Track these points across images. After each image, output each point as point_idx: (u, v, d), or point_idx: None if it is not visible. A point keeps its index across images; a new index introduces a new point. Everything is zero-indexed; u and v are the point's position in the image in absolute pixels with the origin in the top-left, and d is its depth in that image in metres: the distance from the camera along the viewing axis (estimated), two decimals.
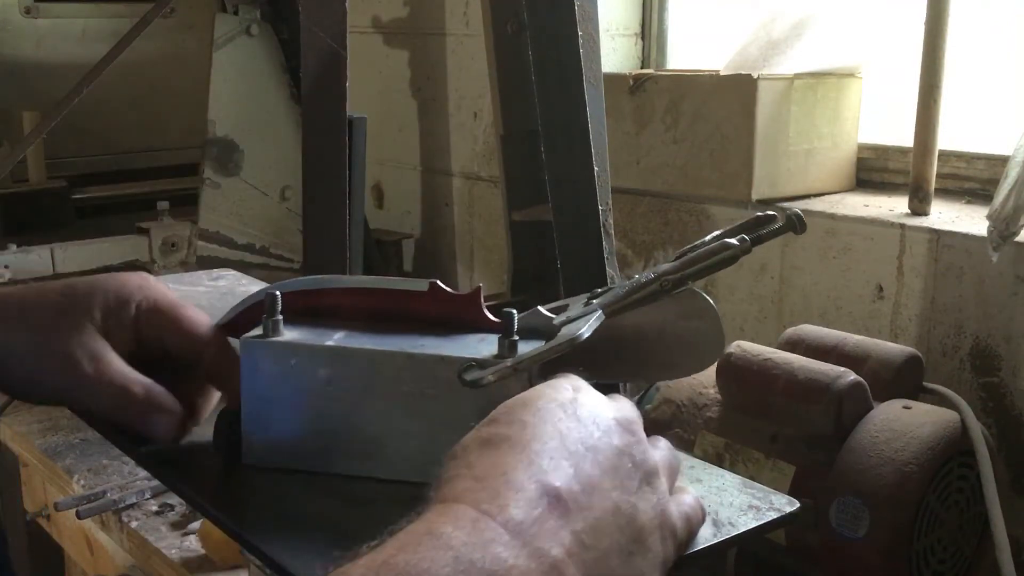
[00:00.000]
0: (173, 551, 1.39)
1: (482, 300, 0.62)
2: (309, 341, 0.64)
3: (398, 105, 2.34)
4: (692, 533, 0.55)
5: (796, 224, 0.61)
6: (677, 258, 0.63)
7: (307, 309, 0.67)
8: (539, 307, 0.60)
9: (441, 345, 0.61)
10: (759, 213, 0.63)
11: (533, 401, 0.52)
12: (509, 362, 0.57)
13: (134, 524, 1.46)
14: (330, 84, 1.06)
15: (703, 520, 0.56)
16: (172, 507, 1.49)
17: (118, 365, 0.67)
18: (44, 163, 2.37)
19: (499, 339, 0.57)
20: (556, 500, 0.47)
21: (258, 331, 0.65)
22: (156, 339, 0.70)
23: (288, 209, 2.16)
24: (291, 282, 0.68)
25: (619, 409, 0.54)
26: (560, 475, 0.48)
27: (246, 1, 2.15)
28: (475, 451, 0.49)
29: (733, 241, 0.59)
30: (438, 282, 0.63)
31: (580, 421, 0.51)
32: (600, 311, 0.59)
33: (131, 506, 1.50)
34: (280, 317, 0.65)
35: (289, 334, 0.65)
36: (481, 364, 0.57)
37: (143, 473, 1.53)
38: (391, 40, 2.35)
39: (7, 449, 1.90)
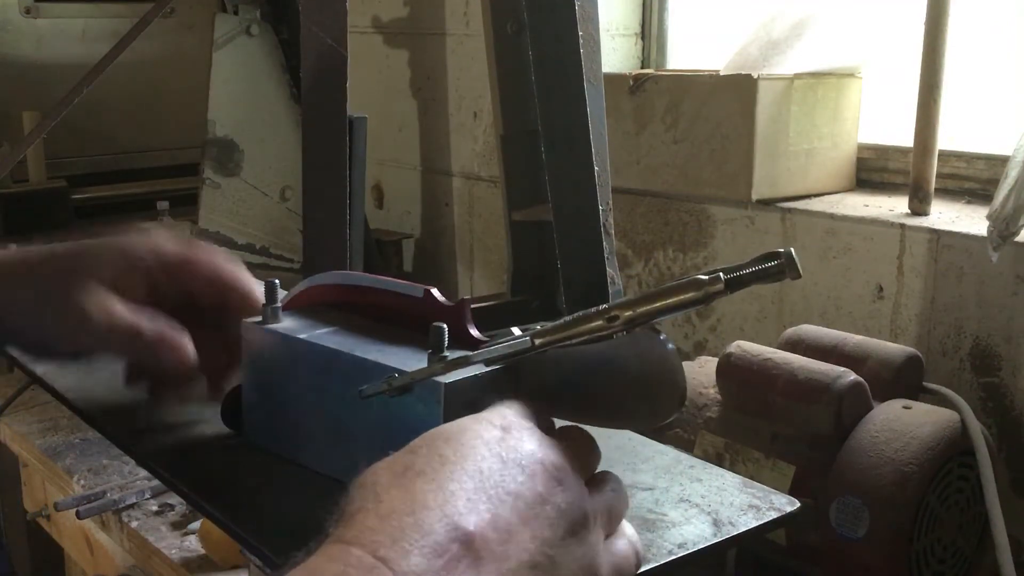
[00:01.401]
0: (173, 551, 1.39)
1: (467, 313, 0.61)
2: (289, 332, 0.66)
3: (398, 105, 2.34)
4: None
5: (785, 270, 0.50)
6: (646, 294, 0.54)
7: (334, 303, 0.70)
8: (513, 328, 0.58)
9: (396, 353, 0.61)
10: (770, 251, 0.51)
11: (456, 435, 0.48)
12: (396, 378, 0.56)
13: (134, 524, 1.46)
14: (330, 84, 1.06)
15: (638, 567, 0.52)
16: (172, 507, 1.49)
17: (126, 310, 0.68)
18: (44, 163, 2.37)
19: (428, 354, 0.56)
20: (467, 547, 0.43)
21: (259, 317, 0.68)
22: (179, 292, 0.71)
23: (288, 209, 2.16)
24: (327, 275, 0.71)
25: (549, 452, 0.49)
26: (475, 519, 0.44)
27: (246, 1, 2.15)
28: (385, 483, 0.45)
29: (702, 277, 0.51)
30: (432, 290, 0.63)
31: (504, 462, 0.47)
32: (527, 339, 0.54)
33: (131, 506, 1.50)
34: (279, 305, 0.68)
35: (284, 323, 0.67)
36: (398, 378, 0.56)
37: (143, 473, 1.53)
38: (391, 40, 2.35)
39: (7, 449, 1.90)
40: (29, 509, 1.92)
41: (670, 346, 0.53)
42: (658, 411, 0.55)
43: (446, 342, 0.56)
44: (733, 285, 0.51)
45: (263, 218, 2.14)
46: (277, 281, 0.68)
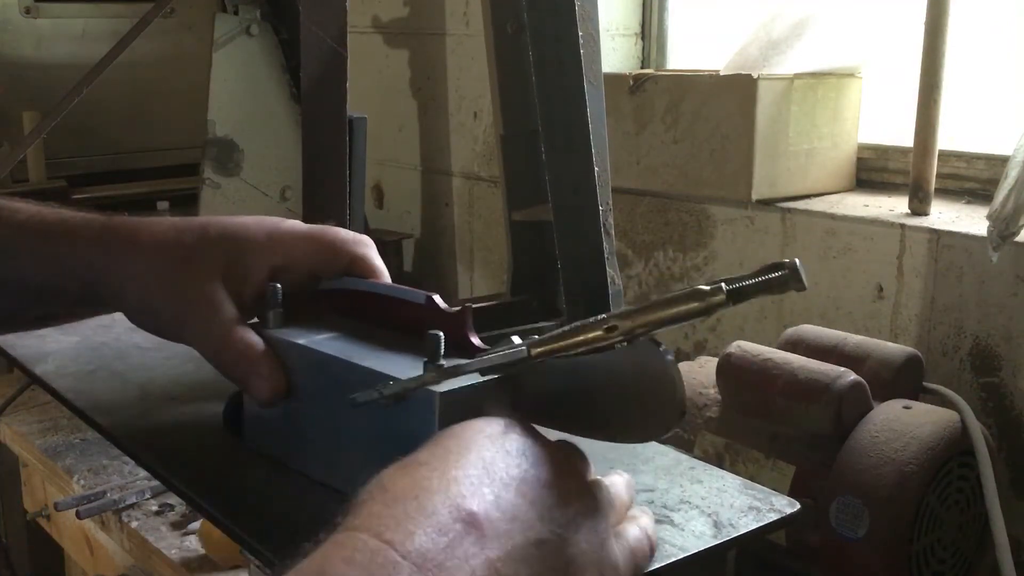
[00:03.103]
0: (173, 551, 1.39)
1: (469, 321, 0.60)
2: (289, 336, 0.65)
3: (398, 105, 2.34)
4: (638, 567, 0.52)
5: (789, 282, 0.49)
6: (643, 305, 0.52)
7: (339, 308, 0.69)
8: (513, 336, 0.57)
9: (394, 361, 0.60)
10: (775, 262, 0.50)
11: (460, 432, 0.50)
12: (388, 386, 0.56)
13: (134, 524, 1.46)
14: (330, 84, 1.06)
15: (652, 551, 0.53)
16: (172, 507, 1.49)
17: (226, 317, 0.66)
18: (44, 163, 2.37)
19: (424, 363, 0.56)
20: (471, 525, 0.44)
21: (257, 320, 0.68)
22: (302, 273, 0.70)
23: (288, 209, 2.16)
24: (332, 280, 0.71)
25: (557, 446, 0.52)
26: (478, 501, 0.45)
27: (246, 1, 2.15)
28: (391, 474, 0.47)
29: (705, 288, 0.50)
30: (434, 297, 0.63)
31: (508, 453, 0.49)
32: (524, 349, 0.54)
33: (131, 506, 1.50)
34: (280, 309, 0.67)
35: (286, 328, 0.67)
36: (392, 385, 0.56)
37: (143, 473, 1.53)
38: (391, 40, 2.35)
39: (7, 449, 1.90)
40: (29, 509, 1.92)
41: (669, 358, 0.52)
42: (655, 425, 0.54)
43: (442, 350, 0.56)
44: (735, 296, 0.50)
45: None
46: (279, 285, 0.68)
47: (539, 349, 0.54)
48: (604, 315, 0.53)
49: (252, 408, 0.69)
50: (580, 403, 0.55)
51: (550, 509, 0.47)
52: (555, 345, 0.53)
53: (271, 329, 0.67)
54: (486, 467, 0.47)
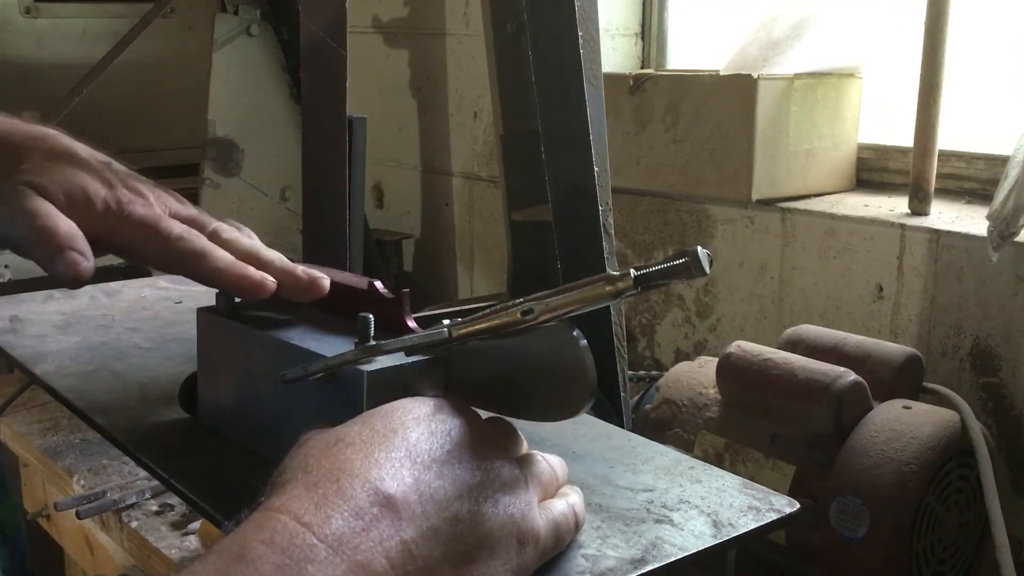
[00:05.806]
0: (173, 551, 1.39)
1: (406, 305, 0.63)
2: (237, 320, 0.67)
3: (398, 105, 2.34)
4: (561, 538, 0.54)
5: (691, 268, 0.51)
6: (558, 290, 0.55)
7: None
8: (443, 320, 0.58)
9: (332, 343, 0.62)
10: (681, 250, 0.52)
11: (390, 411, 0.52)
12: (314, 365, 0.58)
13: (134, 524, 1.46)
14: (330, 84, 1.06)
15: (576, 525, 0.55)
16: (172, 507, 1.49)
17: (40, 201, 0.63)
18: None
19: (355, 343, 0.58)
20: (388, 508, 0.46)
21: (213, 305, 0.69)
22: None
23: (288, 209, 2.16)
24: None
25: (486, 424, 0.54)
26: (397, 483, 0.47)
27: (246, 1, 2.15)
28: (316, 454, 0.49)
29: (614, 274, 0.53)
30: (375, 283, 0.65)
31: (432, 434, 0.51)
32: (445, 330, 0.56)
33: (131, 506, 1.50)
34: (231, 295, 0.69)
35: (235, 312, 0.68)
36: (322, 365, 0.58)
37: (143, 473, 1.53)
38: (391, 40, 2.35)
39: (7, 449, 1.90)
40: (29, 509, 1.92)
41: (583, 342, 0.55)
42: (569, 404, 0.56)
43: (371, 331, 0.58)
44: (642, 281, 0.52)
45: (263, 218, 2.14)
46: None
47: (460, 331, 0.56)
48: (521, 299, 0.55)
49: (204, 387, 0.71)
50: (503, 385, 0.58)
51: (469, 487, 0.49)
52: (475, 327, 0.56)
53: (222, 313, 0.68)
54: (409, 449, 0.49)
